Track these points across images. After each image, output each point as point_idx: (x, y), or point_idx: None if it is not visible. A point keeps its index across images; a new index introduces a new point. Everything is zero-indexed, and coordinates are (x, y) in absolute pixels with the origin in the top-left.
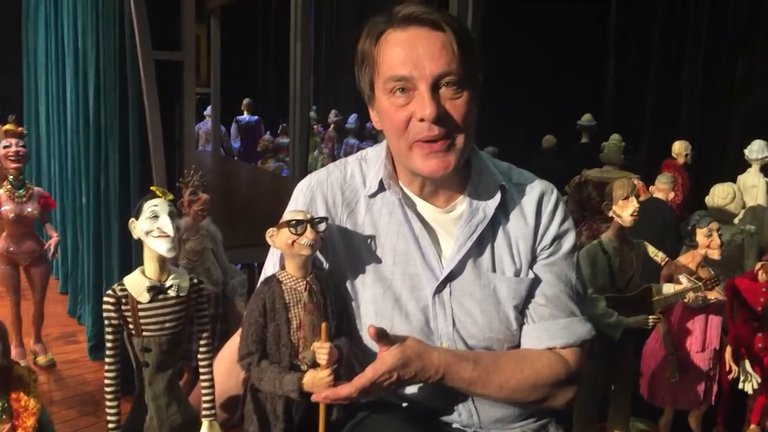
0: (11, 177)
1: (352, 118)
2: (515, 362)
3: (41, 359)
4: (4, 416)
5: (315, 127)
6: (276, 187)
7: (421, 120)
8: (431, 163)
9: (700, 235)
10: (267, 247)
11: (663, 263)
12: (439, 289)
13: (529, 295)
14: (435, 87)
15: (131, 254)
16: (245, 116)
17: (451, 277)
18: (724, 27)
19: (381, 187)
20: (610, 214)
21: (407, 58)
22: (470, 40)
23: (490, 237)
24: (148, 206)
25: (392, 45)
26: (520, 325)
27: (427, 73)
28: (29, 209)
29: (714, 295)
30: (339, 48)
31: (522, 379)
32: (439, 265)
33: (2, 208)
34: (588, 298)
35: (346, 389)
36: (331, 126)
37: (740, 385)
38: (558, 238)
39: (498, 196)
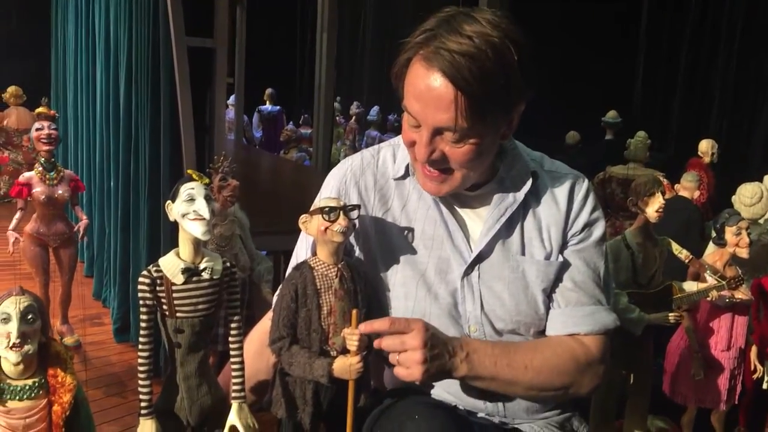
0: (43, 159)
1: (374, 110)
2: (533, 345)
3: (68, 339)
4: (41, 391)
5: (337, 118)
6: (298, 176)
7: None
8: (427, 184)
9: (729, 233)
10: (289, 235)
11: (687, 261)
12: (467, 272)
13: (557, 279)
14: (438, 131)
15: (160, 239)
16: (267, 106)
17: (480, 259)
18: (756, 27)
19: (407, 172)
20: (635, 209)
21: (419, 99)
22: (490, 91)
23: (519, 221)
24: (185, 189)
25: (413, 78)
26: (548, 309)
27: (430, 123)
28: (60, 191)
29: (741, 295)
30: (364, 40)
31: (543, 359)
32: (468, 248)
33: (34, 190)
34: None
35: (379, 323)
36: (353, 118)
37: (764, 385)
38: (589, 225)
39: (529, 182)
